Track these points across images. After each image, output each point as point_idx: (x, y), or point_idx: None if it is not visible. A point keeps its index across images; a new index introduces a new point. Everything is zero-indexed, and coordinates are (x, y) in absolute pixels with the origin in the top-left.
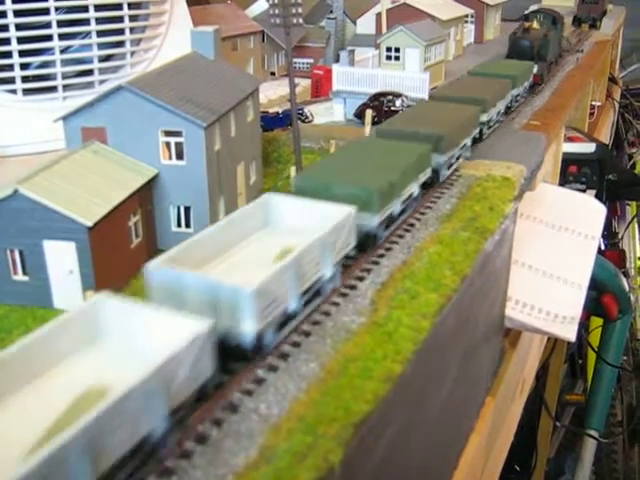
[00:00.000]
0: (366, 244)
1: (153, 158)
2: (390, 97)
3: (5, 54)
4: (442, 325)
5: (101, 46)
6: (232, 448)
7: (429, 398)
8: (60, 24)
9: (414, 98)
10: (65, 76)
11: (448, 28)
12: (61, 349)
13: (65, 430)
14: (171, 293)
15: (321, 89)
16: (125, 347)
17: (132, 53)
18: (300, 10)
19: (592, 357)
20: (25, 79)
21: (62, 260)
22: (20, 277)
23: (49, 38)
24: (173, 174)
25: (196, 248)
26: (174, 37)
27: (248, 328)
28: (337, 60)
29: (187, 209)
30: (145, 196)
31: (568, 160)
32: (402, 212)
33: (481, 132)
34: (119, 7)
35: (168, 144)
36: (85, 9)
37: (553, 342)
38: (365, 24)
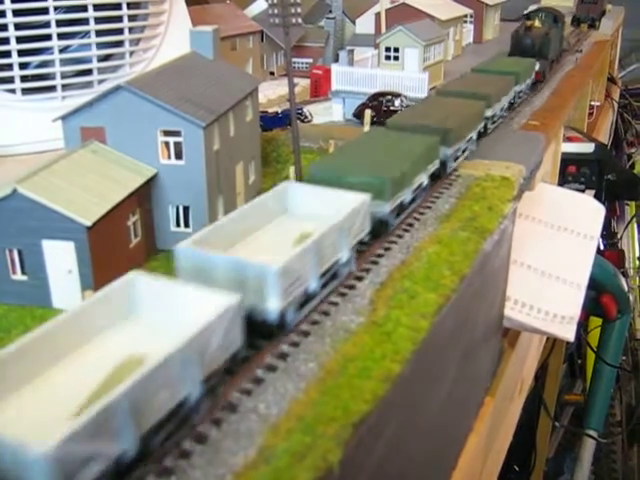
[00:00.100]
0: (379, 231)
1: (152, 158)
2: (389, 97)
3: (4, 53)
4: (441, 325)
5: (100, 46)
6: (231, 448)
7: (428, 398)
8: (59, 23)
9: (413, 98)
10: (64, 76)
11: (447, 28)
12: (98, 323)
13: (111, 391)
14: (199, 272)
15: (320, 89)
16: (158, 321)
17: (131, 53)
18: (299, 10)
19: (591, 357)
20: (24, 79)
21: (61, 260)
22: (19, 277)
23: (48, 37)
24: (172, 174)
25: (220, 232)
26: (173, 37)
27: (273, 305)
28: (336, 60)
29: (186, 209)
30: (144, 196)
31: (567, 160)
32: (412, 201)
33: (486, 126)
34: (118, 7)
35: (167, 144)
36: (84, 9)
37: (552, 342)
38: (364, 24)
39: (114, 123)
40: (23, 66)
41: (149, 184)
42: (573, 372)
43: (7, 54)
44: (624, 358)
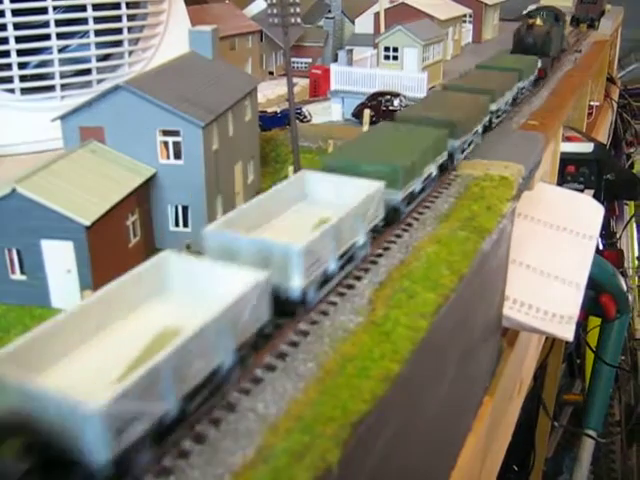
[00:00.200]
0: (393, 218)
1: (151, 157)
2: (388, 97)
3: (3, 53)
4: (440, 325)
5: (99, 45)
6: (230, 447)
7: (427, 398)
8: (58, 23)
9: (412, 98)
10: (63, 75)
11: (446, 28)
12: (133, 299)
13: (154, 357)
14: (226, 253)
15: (319, 89)
16: (191, 296)
17: (130, 52)
18: (298, 10)
19: (590, 357)
20: (23, 78)
21: (60, 259)
22: (18, 276)
23: (47, 37)
24: (171, 173)
25: (243, 216)
26: (172, 37)
27: (296, 283)
28: (335, 60)
29: (185, 208)
30: (143, 195)
31: (566, 160)
32: (422, 190)
33: (490, 120)
34: (117, 6)
35: (166, 143)
36: (83, 8)
37: (551, 342)
38: (363, 24)
39: (113, 123)
40: (22, 66)
41: (148, 184)
42: (572, 372)
43: (6, 54)
44: (623, 358)
